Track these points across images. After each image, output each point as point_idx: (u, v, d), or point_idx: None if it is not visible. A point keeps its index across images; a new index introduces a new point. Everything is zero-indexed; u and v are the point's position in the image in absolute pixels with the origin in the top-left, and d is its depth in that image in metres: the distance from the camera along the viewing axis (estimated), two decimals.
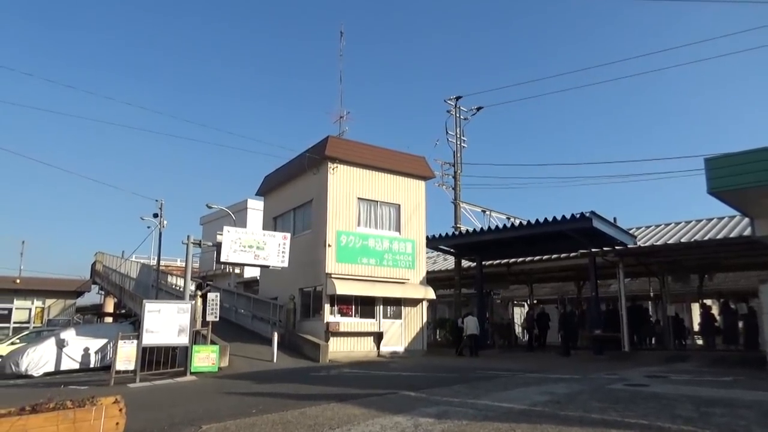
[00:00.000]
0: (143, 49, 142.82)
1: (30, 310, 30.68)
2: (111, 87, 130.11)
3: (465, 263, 25.25)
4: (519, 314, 32.97)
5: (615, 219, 19.99)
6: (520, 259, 24.08)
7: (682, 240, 18.21)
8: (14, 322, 29.74)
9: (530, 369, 13.49)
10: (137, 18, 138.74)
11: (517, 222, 23.68)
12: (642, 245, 19.26)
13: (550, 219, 18.49)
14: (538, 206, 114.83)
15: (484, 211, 28.20)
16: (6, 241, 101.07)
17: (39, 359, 18.06)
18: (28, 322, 30.13)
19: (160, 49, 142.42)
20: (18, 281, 30.86)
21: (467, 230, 23.46)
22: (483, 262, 23.82)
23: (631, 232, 21.31)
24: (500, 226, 21.64)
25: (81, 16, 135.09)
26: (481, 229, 22.97)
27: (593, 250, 18.63)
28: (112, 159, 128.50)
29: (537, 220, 19.02)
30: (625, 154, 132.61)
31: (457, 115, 28.21)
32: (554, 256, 22.49)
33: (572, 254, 21.04)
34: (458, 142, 27.82)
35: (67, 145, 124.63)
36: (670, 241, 18.66)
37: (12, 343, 22.53)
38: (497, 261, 24.87)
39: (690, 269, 20.99)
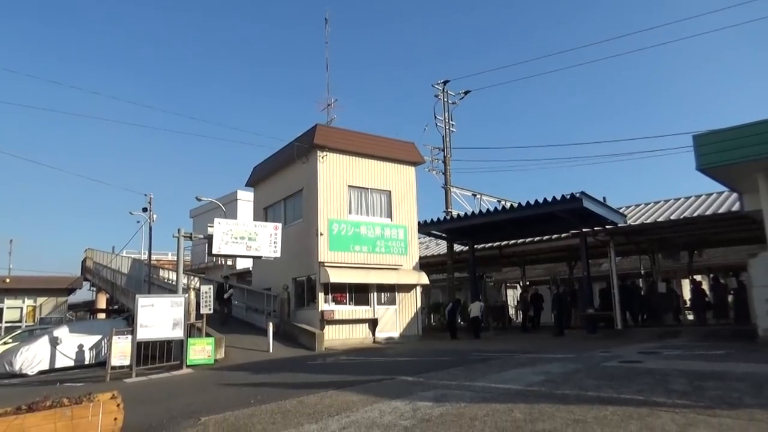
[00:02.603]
0: (127, 43, 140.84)
1: (21, 309, 30.54)
2: (96, 81, 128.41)
3: (457, 247, 25.34)
4: (512, 296, 33.19)
5: (605, 198, 20.12)
6: (512, 242, 24.20)
7: (672, 217, 18.36)
8: (6, 322, 29.62)
9: (525, 350, 13.60)
10: (118, 12, 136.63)
11: (508, 205, 23.75)
12: (632, 224, 19.39)
13: (540, 201, 18.56)
14: (528, 188, 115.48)
15: (474, 195, 28.27)
16: None
17: (33, 358, 17.98)
18: (20, 321, 30.01)
19: (143, 42, 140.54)
20: (8, 280, 30.66)
21: (458, 214, 23.54)
22: (475, 246, 23.90)
23: (621, 211, 21.45)
24: (491, 209, 21.67)
25: (66, 10, 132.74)
26: (472, 212, 23.04)
27: (584, 230, 18.74)
28: (98, 154, 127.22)
29: (528, 202, 19.09)
30: (615, 134, 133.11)
31: (445, 99, 28.17)
32: (545, 237, 22.65)
33: (563, 235, 21.17)
34: (447, 127, 27.80)
35: (51, 141, 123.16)
36: (659, 219, 18.80)
37: (5, 343, 22.38)
38: (489, 244, 24.98)
39: (680, 246, 21.18)
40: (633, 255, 24.00)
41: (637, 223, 19.34)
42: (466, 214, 22.80)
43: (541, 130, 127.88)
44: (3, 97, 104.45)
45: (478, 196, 28.41)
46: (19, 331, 24.92)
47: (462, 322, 24.35)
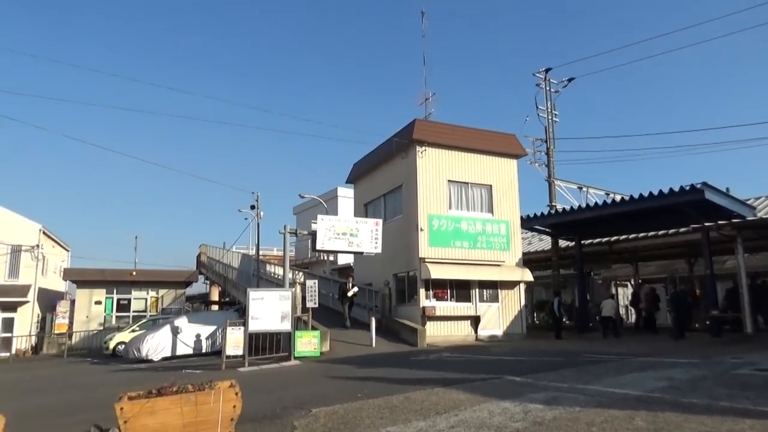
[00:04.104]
0: (226, 44, 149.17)
1: (146, 300, 33.33)
2: (208, 86, 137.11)
3: (562, 243, 24.40)
4: (622, 295, 31.45)
5: (728, 189, 18.46)
6: (623, 237, 22.87)
7: None
8: (133, 311, 32.47)
9: (641, 353, 12.79)
10: (217, 15, 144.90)
11: (618, 197, 22.45)
12: (764, 216, 17.64)
13: (655, 193, 17.38)
14: (639, 180, 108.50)
15: (580, 188, 27.12)
16: (121, 237, 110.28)
17: (157, 345, 19.56)
18: (145, 310, 32.75)
19: (243, 43, 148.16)
20: (134, 273, 33.51)
21: (563, 208, 22.59)
22: (582, 241, 22.86)
23: (749, 202, 19.59)
24: (599, 202, 20.60)
25: (167, 16, 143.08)
26: (579, 206, 22.06)
27: (706, 224, 17.29)
28: (208, 154, 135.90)
29: (641, 194, 17.93)
30: (736, 119, 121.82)
31: (547, 88, 27.21)
32: (661, 232, 21.19)
33: (682, 229, 19.76)
34: (550, 117, 26.84)
35: (164, 143, 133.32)
36: None
37: (132, 331, 24.57)
38: (597, 239, 23.80)
39: None
40: (764, 251, 21.83)
41: None
42: (572, 207, 21.85)
43: (654, 119, 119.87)
44: (113, 102, 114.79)
45: (585, 188, 27.19)
46: (144, 320, 27.27)
47: (567, 321, 23.41)
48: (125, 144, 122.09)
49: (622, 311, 28.66)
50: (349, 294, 20.10)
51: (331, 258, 34.30)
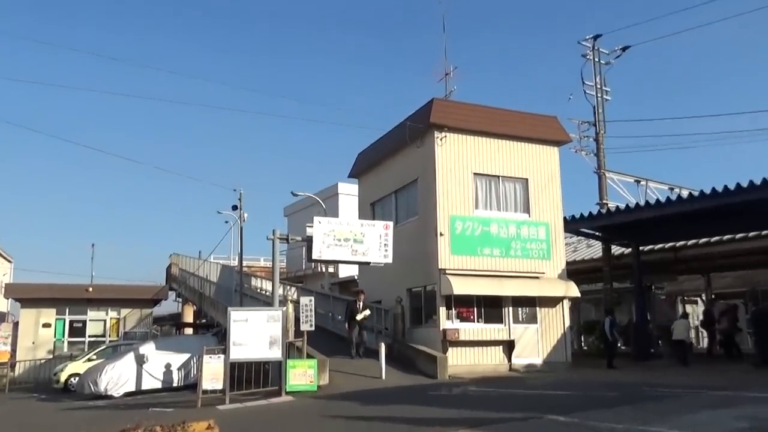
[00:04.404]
0: (216, 20, 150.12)
1: (105, 321, 33.36)
2: (177, 60, 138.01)
3: (616, 250, 24.36)
4: (692, 313, 31.34)
5: None
6: (692, 242, 22.81)
7: None
8: (89, 336, 32.54)
9: (716, 385, 12.73)
10: None
11: (686, 193, 22.39)
12: None
13: (731, 187, 17.28)
14: (711, 172, 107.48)
15: (638, 182, 27.14)
16: (74, 245, 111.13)
17: (118, 378, 19.68)
18: (104, 335, 32.81)
19: (223, 12, 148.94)
20: (90, 289, 33.60)
21: (617, 207, 22.57)
22: (640, 248, 22.80)
23: None
24: (662, 199, 20.54)
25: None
26: (636, 204, 21.99)
27: None
28: (181, 144, 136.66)
29: (713, 188, 17.84)
30: None
31: (596, 59, 27.18)
32: (740, 235, 21.08)
33: (765, 232, 19.62)
34: (599, 95, 26.82)
35: (126, 129, 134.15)
36: None
37: (89, 360, 24.71)
38: (659, 245, 23.73)
39: None
40: None
41: None
42: (627, 206, 21.81)
43: (728, 98, 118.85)
44: (65, 81, 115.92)
45: (643, 182, 27.20)
46: (103, 347, 27.40)
47: (622, 346, 23.31)
48: (73, 131, 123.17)
49: (691, 333, 28.58)
50: (359, 317, 19.61)
51: (331, 269, 34.35)
